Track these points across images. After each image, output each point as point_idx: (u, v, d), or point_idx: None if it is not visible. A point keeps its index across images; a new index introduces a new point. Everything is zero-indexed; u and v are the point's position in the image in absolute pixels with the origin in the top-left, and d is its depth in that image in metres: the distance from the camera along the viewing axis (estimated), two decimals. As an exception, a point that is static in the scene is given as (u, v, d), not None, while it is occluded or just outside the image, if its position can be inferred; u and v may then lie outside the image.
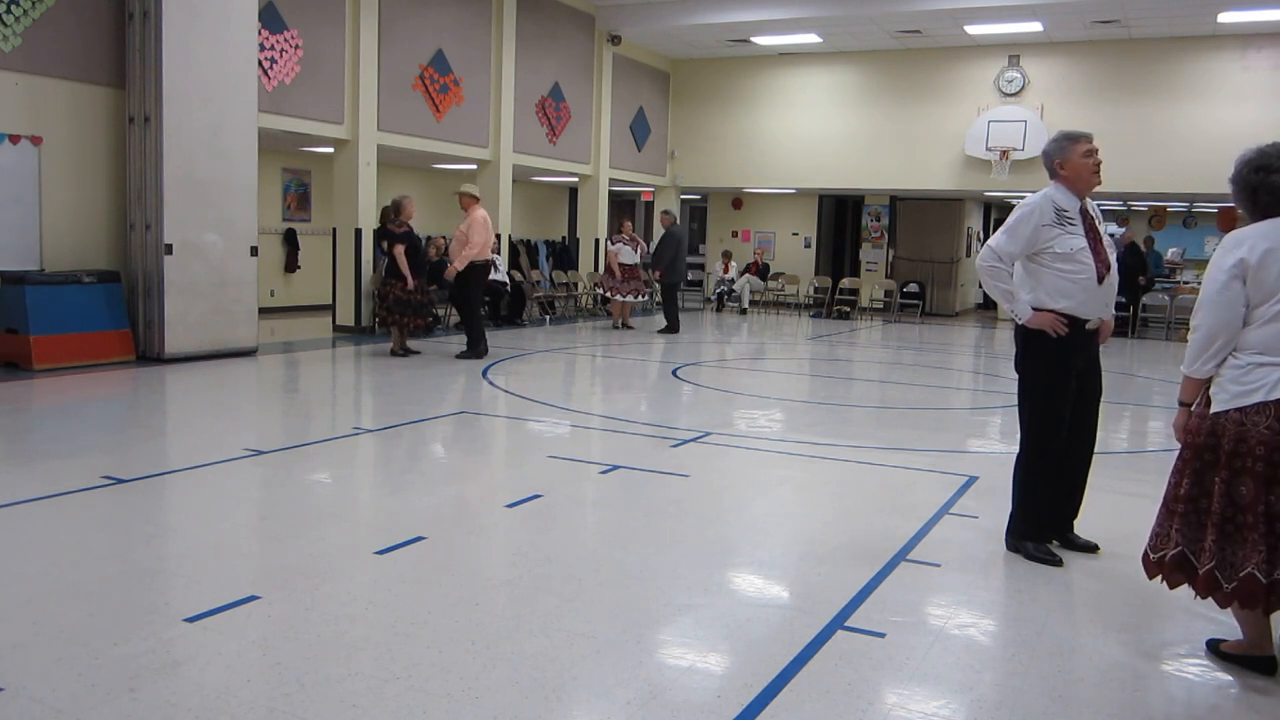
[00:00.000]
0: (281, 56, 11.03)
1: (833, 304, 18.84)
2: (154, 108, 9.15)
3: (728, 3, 15.57)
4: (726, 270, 19.42)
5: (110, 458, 5.72)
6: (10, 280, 8.56)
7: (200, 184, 9.49)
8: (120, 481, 5.06)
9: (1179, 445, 3.29)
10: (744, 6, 15.52)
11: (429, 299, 10.89)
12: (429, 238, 13.96)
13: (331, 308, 13.01)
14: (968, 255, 20.55)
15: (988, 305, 21.33)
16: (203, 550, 4.10)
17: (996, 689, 3.03)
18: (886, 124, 17.45)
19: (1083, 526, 4.43)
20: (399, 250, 10.33)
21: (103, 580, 3.67)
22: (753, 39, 17.00)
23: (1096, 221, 4.22)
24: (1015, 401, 4.34)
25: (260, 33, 10.38)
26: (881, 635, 3.37)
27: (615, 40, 16.93)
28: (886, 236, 20.51)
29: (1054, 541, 4.36)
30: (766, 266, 19.94)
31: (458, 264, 10.36)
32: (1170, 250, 21.80)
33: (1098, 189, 4.21)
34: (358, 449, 6.30)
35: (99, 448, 5.97)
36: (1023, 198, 4.32)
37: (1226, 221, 18.62)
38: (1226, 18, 14.04)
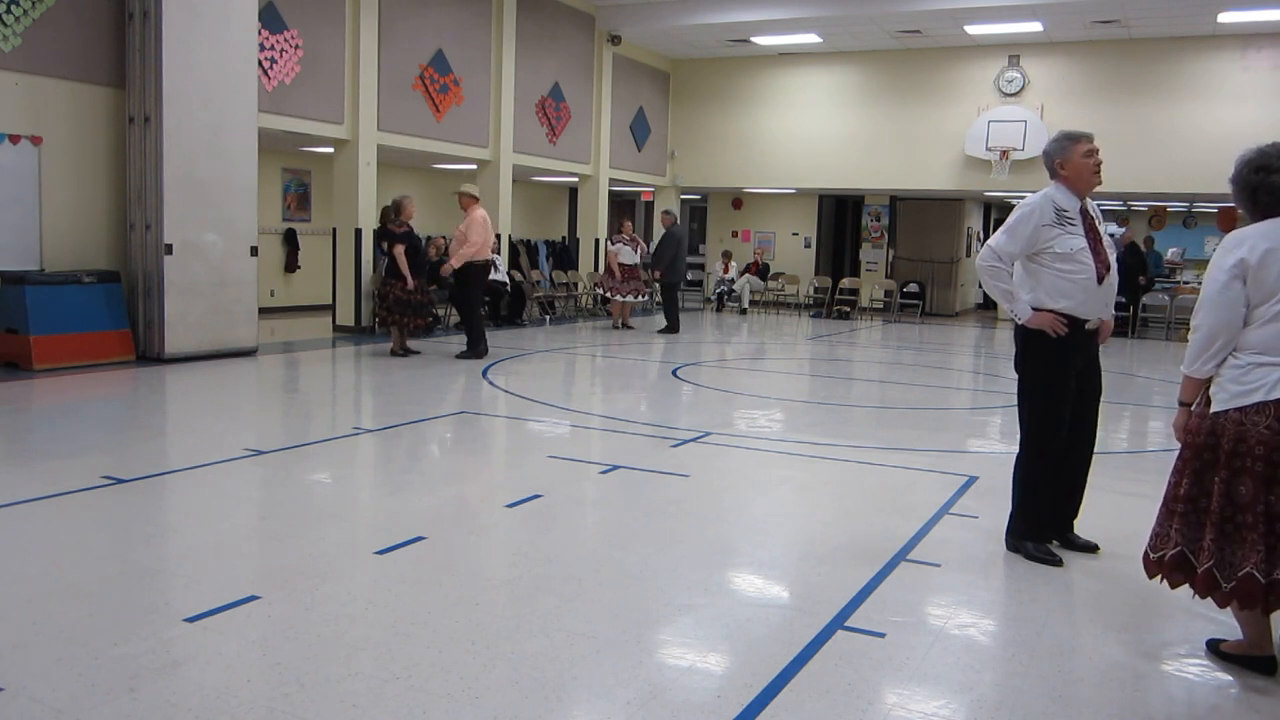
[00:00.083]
0: (281, 56, 11.03)
1: (833, 304, 18.84)
2: (154, 108, 9.15)
3: (728, 3, 15.57)
4: (726, 270, 19.41)
5: (110, 458, 5.72)
6: (10, 280, 8.56)
7: (200, 184, 9.50)
8: (120, 481, 5.06)
9: (1179, 445, 3.29)
10: (744, 6, 15.51)
11: (429, 299, 10.89)
12: (429, 238, 13.95)
13: (331, 308, 13.01)
14: (968, 255, 20.53)
15: (988, 305, 21.32)
16: (203, 550, 4.10)
17: (996, 689, 3.03)
18: (886, 124, 17.44)
19: (1083, 526, 4.43)
20: (399, 250, 10.33)
21: (103, 580, 3.68)
22: (753, 39, 17.00)
23: (1097, 221, 4.22)
24: (1015, 401, 4.34)
25: (260, 33, 10.38)
26: (881, 635, 3.37)
27: (615, 40, 16.92)
28: (886, 236, 20.50)
29: (1054, 541, 4.36)
30: (766, 266, 19.93)
31: (454, 261, 10.37)
32: (1170, 250, 21.79)
33: (1098, 189, 4.21)
34: (358, 449, 6.30)
35: (99, 448, 5.96)
36: (1023, 198, 4.32)
37: (1226, 221, 18.62)
38: (1226, 18, 14.04)
